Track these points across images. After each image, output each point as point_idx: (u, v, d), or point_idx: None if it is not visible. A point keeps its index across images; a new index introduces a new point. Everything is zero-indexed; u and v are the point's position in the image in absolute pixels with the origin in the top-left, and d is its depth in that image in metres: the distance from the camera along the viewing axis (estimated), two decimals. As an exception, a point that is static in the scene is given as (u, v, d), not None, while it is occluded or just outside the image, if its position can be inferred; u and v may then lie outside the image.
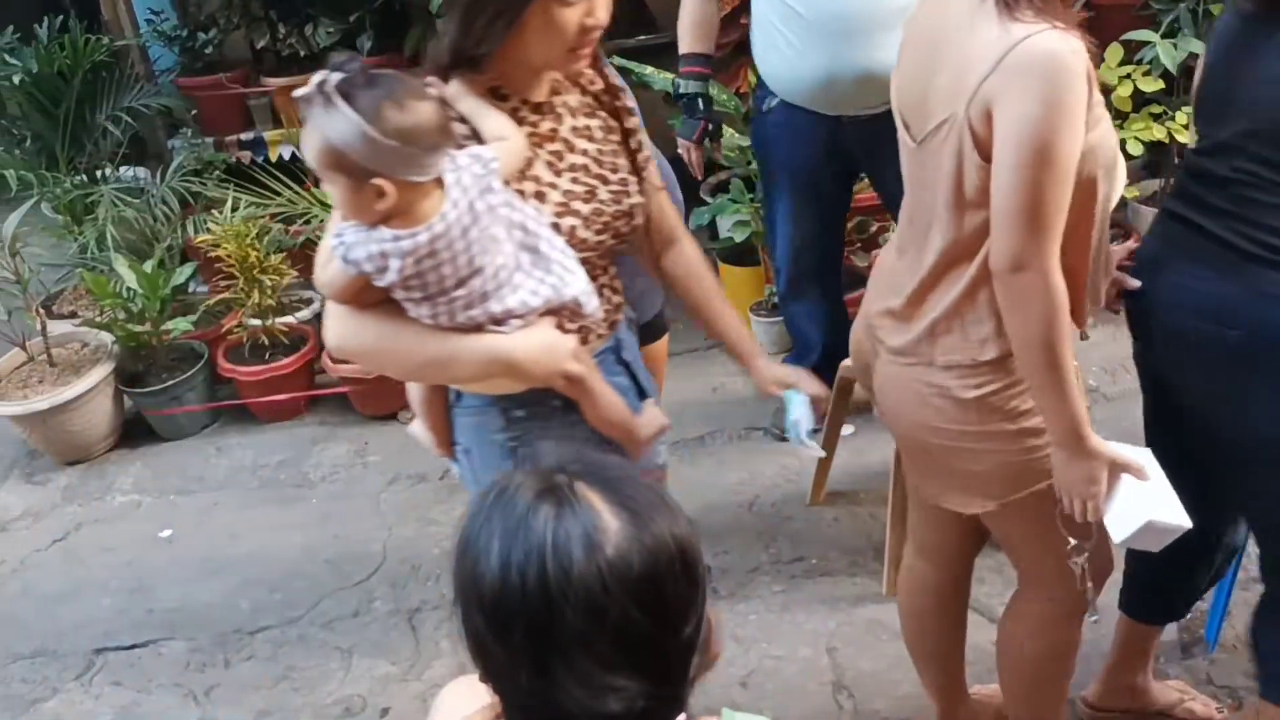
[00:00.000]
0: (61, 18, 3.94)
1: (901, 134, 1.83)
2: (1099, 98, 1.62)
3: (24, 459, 3.83)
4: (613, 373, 1.77)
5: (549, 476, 1.03)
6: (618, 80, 1.84)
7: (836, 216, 3.23)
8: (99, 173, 4.06)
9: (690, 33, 3.10)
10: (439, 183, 1.51)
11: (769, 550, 3.01)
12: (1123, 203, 3.81)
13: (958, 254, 1.71)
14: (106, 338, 3.84)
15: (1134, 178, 3.95)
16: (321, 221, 3.64)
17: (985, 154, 1.59)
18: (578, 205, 1.68)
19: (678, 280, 1.96)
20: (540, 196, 1.65)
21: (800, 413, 1.89)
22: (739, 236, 3.78)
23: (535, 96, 1.69)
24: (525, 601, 0.97)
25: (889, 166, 2.95)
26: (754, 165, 3.75)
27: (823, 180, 3.10)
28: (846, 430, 3.27)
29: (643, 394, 1.86)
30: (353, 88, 1.42)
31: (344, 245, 1.50)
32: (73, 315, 4.10)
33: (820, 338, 3.32)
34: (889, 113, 2.89)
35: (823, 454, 2.40)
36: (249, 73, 4.42)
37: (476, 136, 1.60)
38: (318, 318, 4.06)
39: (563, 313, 1.63)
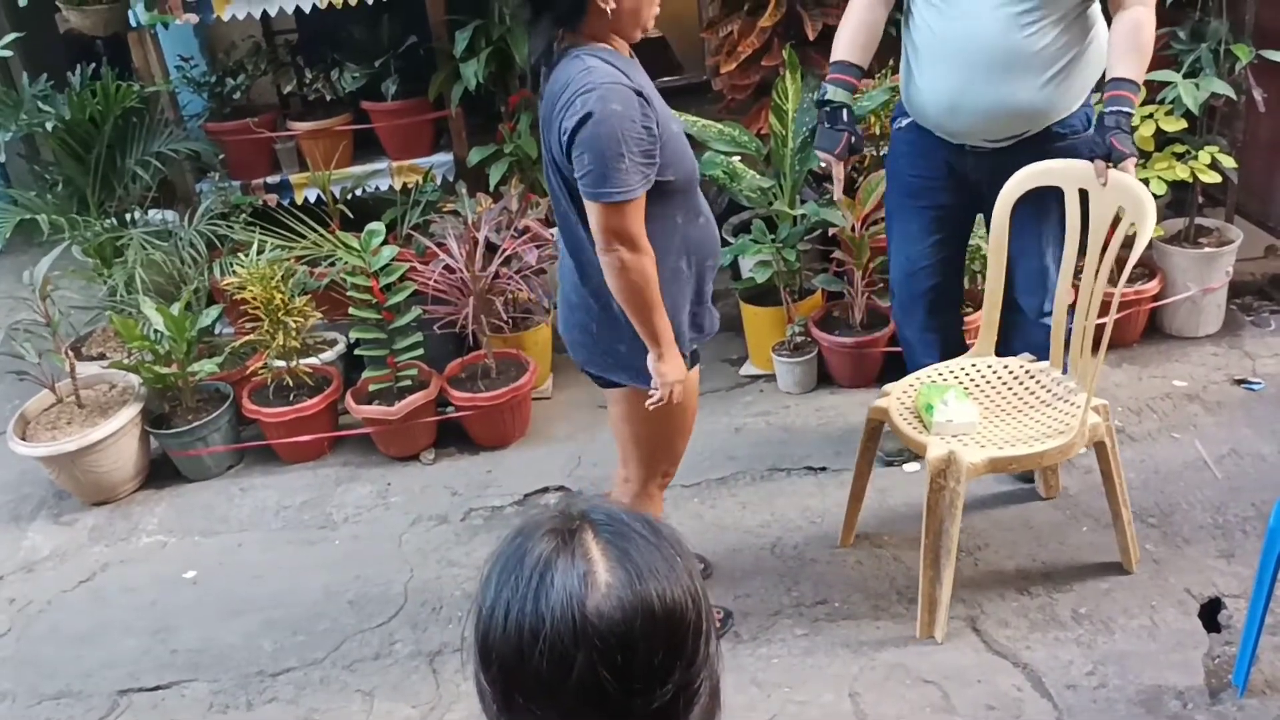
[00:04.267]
0: (94, 65, 4.00)
1: None
2: None
3: (52, 500, 3.86)
4: None
5: (565, 519, 1.05)
6: None
7: (953, 245, 3.19)
8: (128, 216, 4.11)
9: (847, 39, 2.96)
10: None
11: (791, 593, 2.99)
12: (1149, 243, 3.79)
13: None
14: (134, 379, 3.87)
15: (1158, 217, 3.93)
16: (345, 263, 3.68)
17: None
18: None
19: None
20: None
21: None
22: (760, 277, 3.79)
23: None
24: (504, 636, 0.99)
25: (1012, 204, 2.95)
26: (775, 206, 3.78)
27: (943, 205, 3.10)
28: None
29: None
30: None
31: None
32: (101, 357, 4.14)
33: (932, 363, 3.18)
34: (1014, 148, 2.90)
35: None
36: (276, 117, 4.47)
37: None
38: (341, 359, 4.09)
39: None
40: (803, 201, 3.84)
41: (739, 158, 3.85)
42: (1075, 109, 2.86)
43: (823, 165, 3.11)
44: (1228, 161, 3.67)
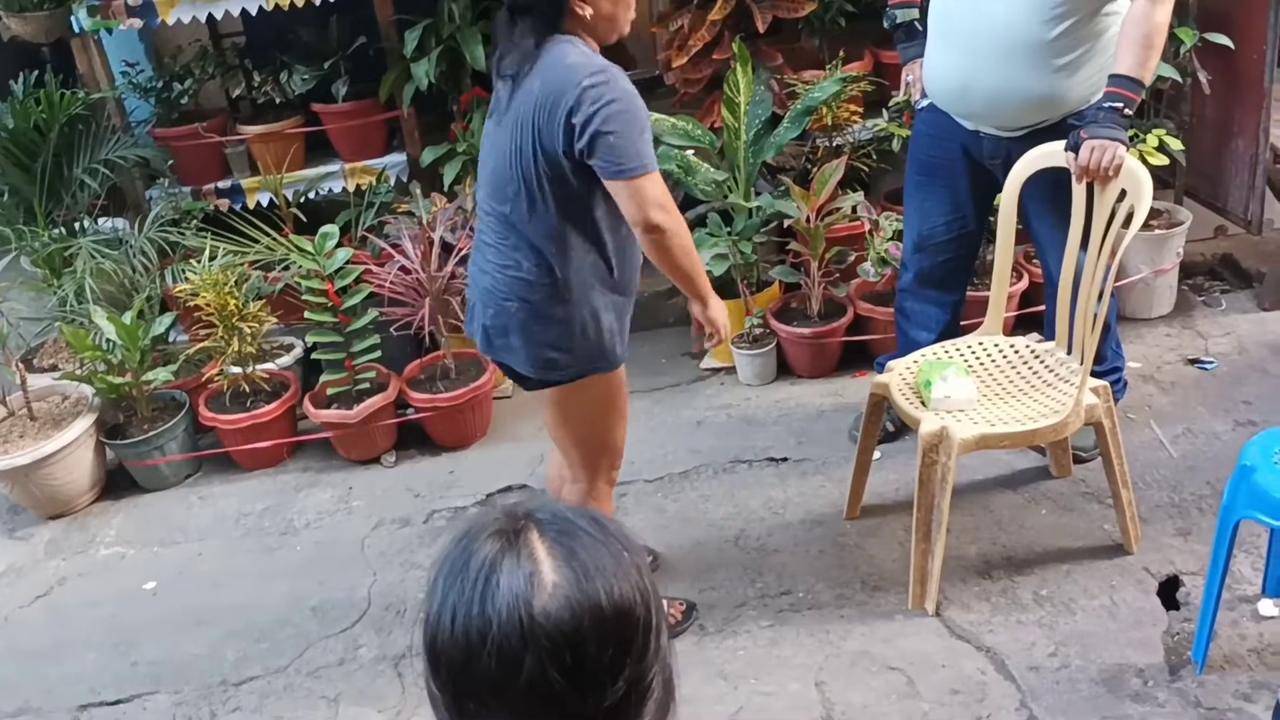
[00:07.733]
0: (37, 72, 3.94)
1: None
2: None
3: (6, 514, 3.80)
4: None
5: (510, 519, 1.04)
6: None
7: (968, 226, 3.21)
8: (77, 225, 4.05)
9: None
10: None
11: (755, 585, 2.99)
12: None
13: None
14: (87, 390, 3.82)
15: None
16: (300, 267, 3.65)
17: None
18: None
19: None
20: None
21: None
22: (718, 270, 3.78)
23: None
24: (451, 640, 0.98)
25: (1027, 194, 2.95)
26: (730, 198, 3.78)
27: (958, 185, 3.14)
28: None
29: None
30: None
31: None
32: (53, 368, 4.08)
33: (925, 341, 3.20)
34: (1028, 139, 2.88)
35: None
36: (225, 121, 4.41)
37: None
38: (298, 363, 4.06)
39: None
40: (757, 194, 3.85)
41: (693, 151, 3.85)
42: (1093, 101, 2.80)
43: (908, 80, 3.29)
44: (1175, 144, 3.71)
